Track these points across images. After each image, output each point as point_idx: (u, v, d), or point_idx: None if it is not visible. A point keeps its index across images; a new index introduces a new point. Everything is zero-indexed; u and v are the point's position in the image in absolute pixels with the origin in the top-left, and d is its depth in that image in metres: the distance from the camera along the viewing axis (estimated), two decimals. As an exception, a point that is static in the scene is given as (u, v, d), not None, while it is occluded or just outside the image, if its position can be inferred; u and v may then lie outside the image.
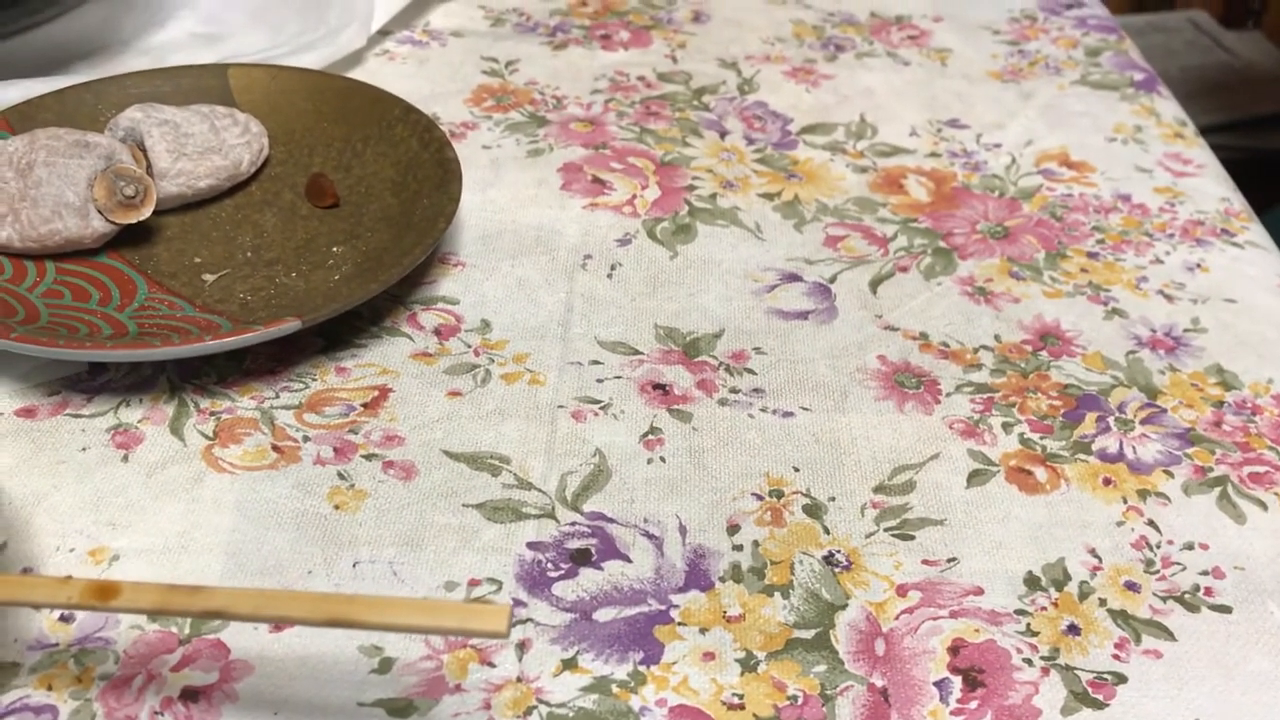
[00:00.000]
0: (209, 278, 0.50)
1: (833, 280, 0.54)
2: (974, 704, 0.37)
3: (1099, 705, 0.37)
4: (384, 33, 0.69)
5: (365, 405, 0.46)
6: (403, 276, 0.48)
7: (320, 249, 0.52)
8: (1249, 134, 1.45)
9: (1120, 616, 0.40)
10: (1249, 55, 1.57)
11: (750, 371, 0.49)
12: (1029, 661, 0.38)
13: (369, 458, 0.44)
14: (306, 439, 0.45)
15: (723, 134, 0.64)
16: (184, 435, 0.45)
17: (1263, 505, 0.44)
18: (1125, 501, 0.44)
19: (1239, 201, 0.62)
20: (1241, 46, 1.59)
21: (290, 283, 0.50)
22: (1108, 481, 0.45)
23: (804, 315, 0.52)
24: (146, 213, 0.50)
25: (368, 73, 0.66)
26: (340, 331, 0.49)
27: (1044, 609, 0.40)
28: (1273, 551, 0.43)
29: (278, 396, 0.46)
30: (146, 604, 0.31)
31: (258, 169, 0.56)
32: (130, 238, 0.52)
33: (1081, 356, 0.50)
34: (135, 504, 0.42)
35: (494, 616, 0.29)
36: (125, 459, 0.43)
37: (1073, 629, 0.40)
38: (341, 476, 0.43)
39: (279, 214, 0.54)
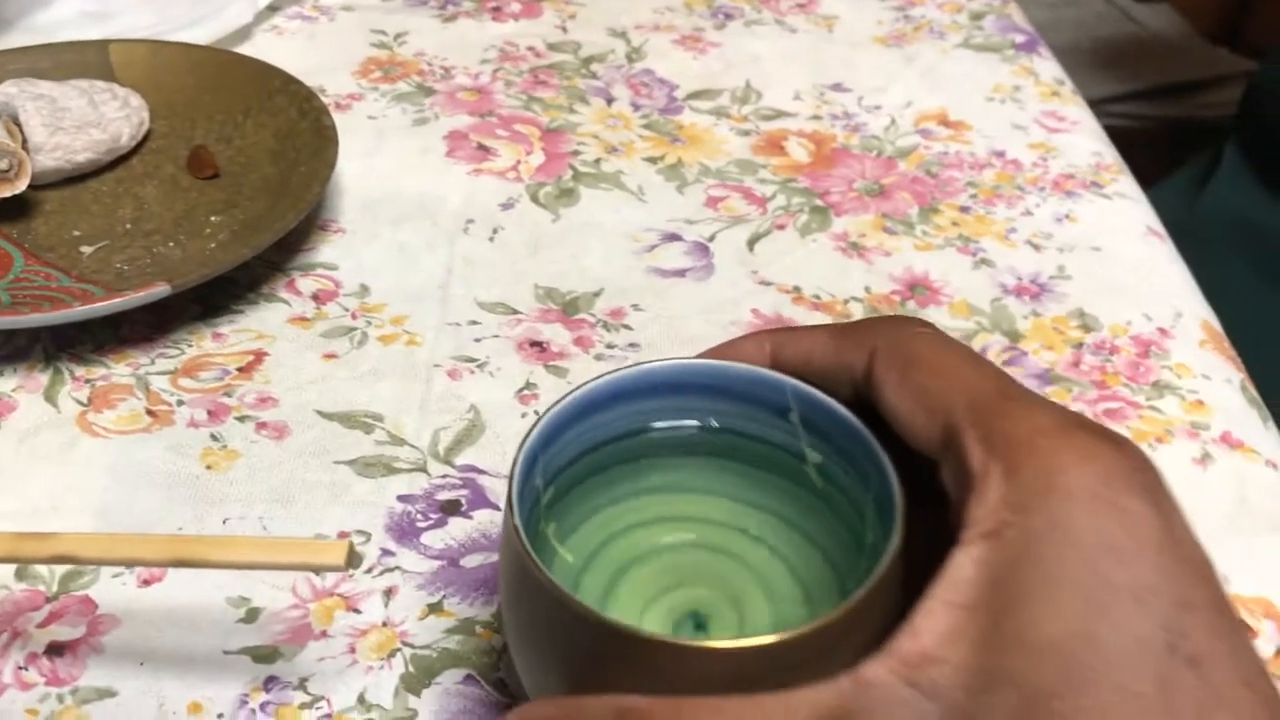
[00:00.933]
0: (87, 249, 0.51)
1: (711, 239, 0.55)
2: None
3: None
4: (273, 8, 0.69)
5: (240, 369, 0.47)
6: (279, 242, 0.49)
7: (199, 219, 0.52)
8: (1157, 103, 1.48)
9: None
10: (1157, 26, 1.61)
11: (627, 328, 0.50)
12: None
13: (242, 419, 0.44)
14: (181, 403, 0.45)
15: (609, 101, 0.65)
16: (58, 402, 0.45)
17: (1114, 439, 0.46)
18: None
19: (1111, 155, 0.63)
20: (1150, 18, 1.62)
21: (167, 252, 0.50)
22: (966, 420, 0.46)
23: (682, 273, 0.53)
24: (20, 186, 0.50)
25: (255, 48, 0.66)
26: (218, 299, 0.50)
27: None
28: (1121, 481, 0.44)
29: (153, 363, 0.47)
30: (-5, 553, 0.31)
31: (139, 143, 0.56)
32: (7, 212, 0.52)
33: (948, 305, 0.52)
34: (5, 469, 0.42)
35: (334, 550, 0.30)
36: (-3, 427, 0.44)
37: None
38: (214, 438, 0.44)
39: (160, 186, 0.54)
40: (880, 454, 0.30)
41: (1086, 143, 0.64)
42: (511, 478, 0.30)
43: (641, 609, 0.33)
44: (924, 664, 0.23)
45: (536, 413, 0.45)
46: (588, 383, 0.33)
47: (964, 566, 0.23)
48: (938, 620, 0.23)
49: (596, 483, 0.35)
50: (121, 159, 0.55)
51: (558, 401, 0.32)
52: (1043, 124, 0.65)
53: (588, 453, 0.34)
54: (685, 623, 0.33)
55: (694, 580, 0.34)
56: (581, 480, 0.34)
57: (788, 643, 0.26)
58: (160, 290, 0.45)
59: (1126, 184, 0.61)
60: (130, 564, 0.31)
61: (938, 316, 0.51)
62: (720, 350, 0.33)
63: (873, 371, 0.28)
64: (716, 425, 0.34)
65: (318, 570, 0.31)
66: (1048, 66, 0.71)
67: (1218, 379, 0.50)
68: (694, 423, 0.34)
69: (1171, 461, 0.45)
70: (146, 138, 0.56)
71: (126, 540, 0.31)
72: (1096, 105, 0.68)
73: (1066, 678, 0.21)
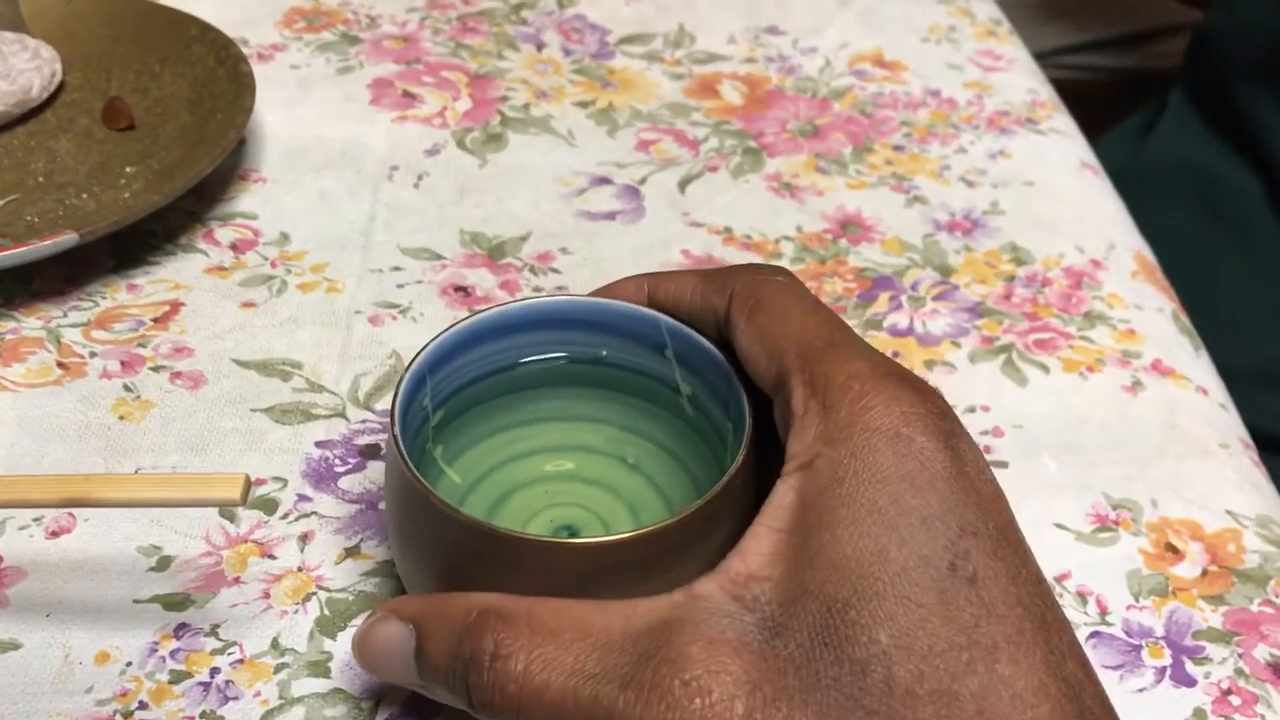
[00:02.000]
0: (-3, 203, 0.49)
1: (642, 182, 0.54)
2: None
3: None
4: (194, -40, 0.68)
5: (155, 320, 0.45)
6: (196, 191, 0.48)
7: (113, 170, 0.51)
8: (1107, 53, 1.48)
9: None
10: (1108, -23, 1.61)
11: (555, 271, 0.49)
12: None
13: (156, 369, 0.43)
14: (93, 354, 0.44)
15: (540, 47, 0.63)
16: (-35, 357, 0.44)
17: (1044, 369, 0.46)
18: (913, 372, 0.45)
19: (1046, 92, 0.63)
20: (1098, -31, 1.62)
21: (80, 204, 0.49)
22: (895, 354, 0.46)
23: (612, 216, 0.52)
24: (-74, 139, 0.49)
25: (179, 0, 0.65)
26: (134, 251, 0.48)
27: (825, 474, 0.41)
28: (1051, 409, 0.44)
29: (65, 315, 0.45)
30: (-121, 500, 0.30)
31: (51, 95, 0.54)
32: (-87, 167, 0.50)
33: (880, 242, 0.51)
34: (-92, 425, 0.41)
35: (229, 484, 0.29)
36: (-99, 382, 0.42)
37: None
38: (127, 389, 0.43)
39: (74, 139, 0.53)
40: (736, 384, 0.32)
41: (1022, 80, 0.63)
42: (396, 393, 0.31)
43: (521, 525, 0.35)
44: (749, 582, 0.26)
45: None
46: (479, 311, 0.35)
47: (784, 495, 0.26)
48: (762, 543, 0.26)
49: (486, 410, 0.36)
50: (34, 112, 0.54)
51: (449, 327, 0.34)
52: (978, 63, 0.65)
53: (477, 380, 0.36)
54: (559, 535, 0.35)
55: (571, 503, 0.36)
56: (471, 407, 0.36)
57: (623, 542, 0.28)
58: (68, 239, 0.43)
59: (1062, 120, 0.61)
60: (19, 505, 0.30)
61: (870, 254, 0.51)
62: (604, 290, 0.35)
63: (729, 314, 0.31)
64: (605, 355, 0.36)
65: (213, 505, 0.30)
66: (984, 7, 0.70)
67: (1150, 308, 0.49)
68: (580, 355, 0.36)
69: (1103, 389, 0.45)
70: (60, 90, 0.55)
71: (14, 482, 0.30)
72: (1047, 57, 0.68)
73: (859, 590, 0.24)
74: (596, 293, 0.35)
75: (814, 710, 0.23)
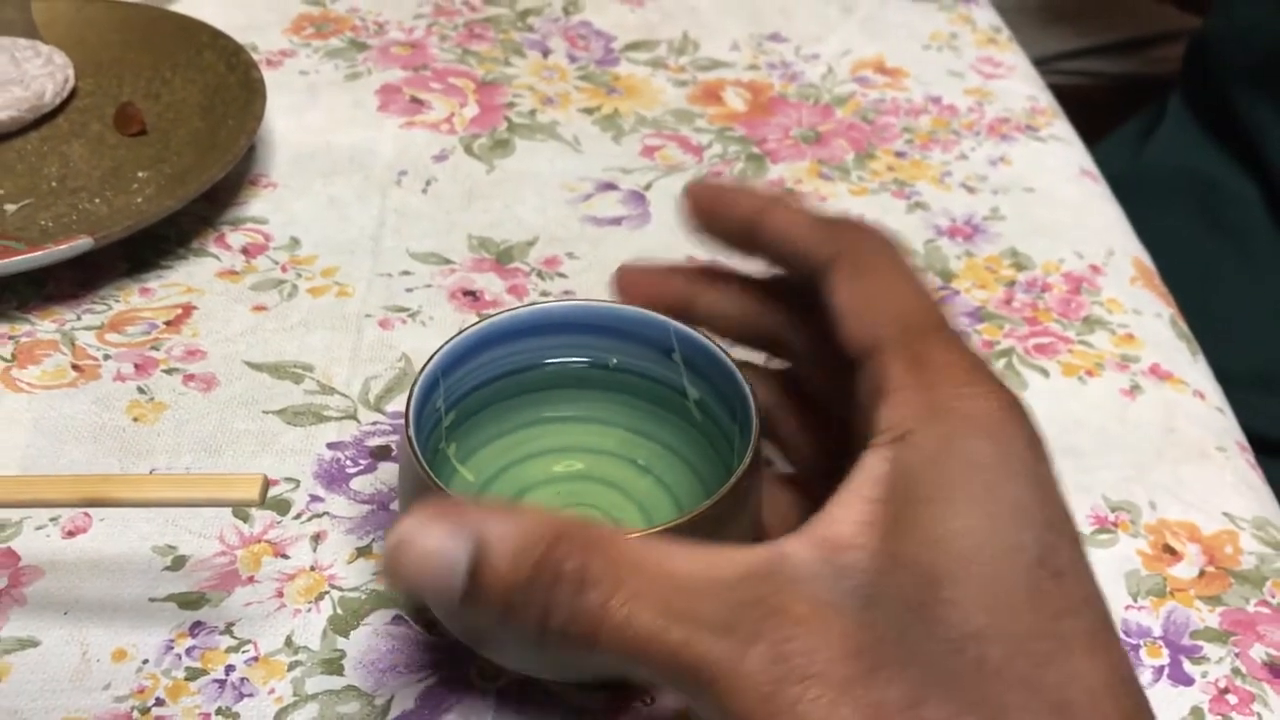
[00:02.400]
0: (11, 208, 0.50)
1: (648, 188, 0.55)
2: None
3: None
4: (203, -33, 0.68)
5: (168, 323, 0.46)
6: (208, 196, 0.49)
7: (126, 175, 0.51)
8: (1106, 59, 1.49)
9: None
10: (1107, -17, 1.61)
11: (562, 275, 0.50)
12: (811, 523, 0.40)
13: (170, 372, 0.44)
14: (107, 357, 0.44)
15: (545, 53, 0.64)
16: (-19, 360, 0.44)
17: (1044, 373, 0.46)
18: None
19: (1046, 99, 0.64)
20: (1099, -25, 1.63)
21: (93, 208, 0.49)
22: (898, 358, 0.46)
23: (618, 221, 0.53)
24: (-59, 144, 0.49)
25: (187, 7, 0.65)
26: (146, 254, 0.49)
27: (828, 476, 0.42)
28: (1051, 413, 0.45)
29: (79, 318, 0.46)
30: (-96, 500, 0.31)
31: (64, 100, 0.55)
32: (-72, 172, 0.51)
33: (882, 246, 0.52)
34: (-74, 426, 0.41)
35: (247, 485, 0.29)
36: (-82, 384, 0.43)
37: (855, 492, 0.41)
38: (141, 391, 0.43)
39: (86, 144, 0.54)
40: (743, 387, 0.33)
41: (1022, 87, 0.64)
42: (411, 394, 0.32)
43: None
44: (840, 548, 0.25)
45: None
46: (490, 315, 0.35)
47: (876, 465, 0.26)
48: (851, 511, 0.25)
49: (497, 411, 0.37)
50: (47, 117, 0.55)
51: (461, 331, 0.35)
52: (979, 70, 0.65)
53: (490, 382, 0.36)
54: None
55: (582, 503, 0.37)
56: (484, 407, 0.37)
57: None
58: (83, 243, 0.44)
59: (1061, 127, 0.62)
60: (39, 505, 0.30)
61: (871, 258, 0.51)
62: (712, 193, 0.33)
63: (832, 265, 0.30)
64: (616, 362, 0.37)
65: (232, 505, 0.31)
66: (985, 15, 0.71)
67: (1148, 314, 0.50)
68: (588, 359, 0.37)
69: (1102, 393, 0.46)
70: (72, 95, 0.56)
71: (35, 482, 0.30)
72: (1043, 63, 0.68)
73: (955, 569, 0.24)
74: (699, 190, 0.33)
75: (910, 682, 0.23)
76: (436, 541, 0.24)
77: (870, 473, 0.26)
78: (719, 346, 0.35)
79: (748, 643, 0.23)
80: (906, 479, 0.25)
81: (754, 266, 0.34)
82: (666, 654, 0.23)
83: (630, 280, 0.35)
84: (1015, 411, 0.26)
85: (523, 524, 0.24)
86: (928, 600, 0.24)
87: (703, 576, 0.24)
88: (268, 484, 0.30)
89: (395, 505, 0.40)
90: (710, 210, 0.33)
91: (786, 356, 0.35)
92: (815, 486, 0.33)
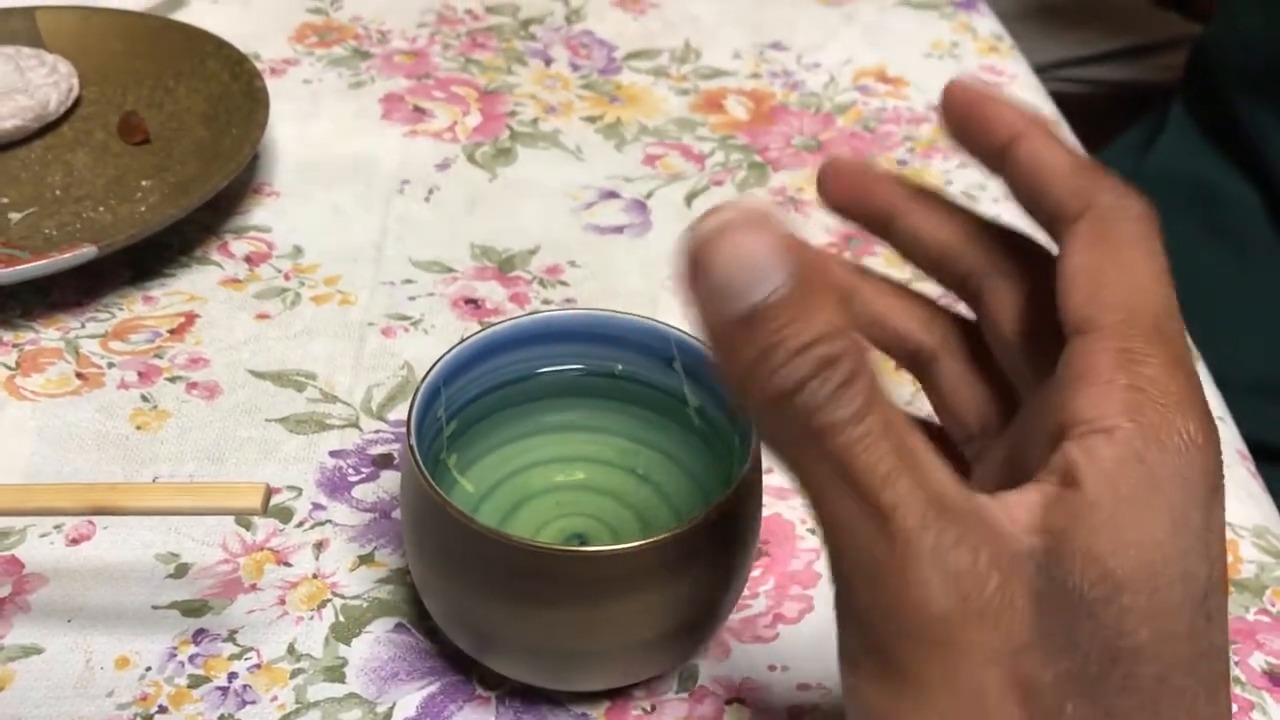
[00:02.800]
0: (15, 216, 0.50)
1: (649, 196, 0.55)
2: (758, 571, 0.39)
3: (877, 568, 0.39)
4: (207, -24, 0.69)
5: (171, 331, 0.46)
6: (211, 204, 0.49)
7: (130, 184, 0.51)
8: (1108, 67, 1.49)
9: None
10: (1108, -9, 1.62)
11: (564, 284, 0.50)
12: (812, 531, 0.40)
13: (173, 380, 0.44)
14: (111, 365, 0.45)
15: (548, 62, 0.64)
16: (-15, 368, 0.44)
17: (1045, 381, 0.47)
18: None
19: (1047, 108, 0.64)
20: (1101, -17, 1.63)
21: (97, 216, 0.50)
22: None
23: (620, 230, 0.53)
24: (-54, 153, 0.50)
25: (191, 16, 0.65)
26: (150, 263, 0.49)
27: (829, 484, 0.42)
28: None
29: (83, 326, 0.46)
30: (-91, 508, 0.31)
31: (68, 109, 0.55)
32: (-67, 181, 0.51)
33: (883, 254, 0.52)
34: (-69, 434, 0.42)
35: (250, 494, 0.30)
36: (-77, 392, 0.43)
37: (856, 500, 0.41)
38: (144, 399, 0.43)
39: (90, 153, 0.54)
40: None
41: (1024, 96, 0.64)
42: (412, 404, 0.32)
43: (533, 534, 0.36)
44: (1025, 531, 0.24)
45: (471, 368, 0.46)
46: (491, 325, 0.35)
47: (1072, 452, 0.25)
48: (1029, 495, 0.24)
49: (498, 420, 0.37)
50: (51, 126, 0.55)
51: (461, 341, 0.35)
52: (980, 78, 0.65)
53: (491, 391, 0.37)
54: (570, 543, 0.36)
55: (581, 513, 0.37)
56: (484, 417, 0.37)
57: (633, 550, 0.30)
58: (87, 252, 0.44)
59: (1063, 136, 0.62)
60: (45, 513, 0.31)
61: (873, 265, 0.51)
62: (975, 97, 0.29)
63: (1077, 221, 0.27)
64: (619, 370, 0.37)
65: (235, 514, 0.31)
66: (986, 23, 0.71)
67: (1149, 322, 0.50)
68: (588, 367, 0.37)
69: (1101, 402, 0.46)
70: (76, 104, 0.56)
71: (41, 490, 0.31)
72: (1045, 70, 0.69)
73: (1135, 577, 0.23)
74: (969, 93, 0.29)
75: (1060, 673, 0.23)
76: (763, 249, 0.22)
77: (1066, 458, 0.25)
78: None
79: (942, 536, 0.22)
80: (1103, 472, 0.24)
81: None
82: (869, 490, 0.22)
83: (838, 173, 0.32)
84: (1213, 445, 0.25)
85: (838, 307, 0.22)
86: (1101, 599, 0.23)
87: (933, 462, 0.23)
88: (270, 493, 0.30)
89: (396, 514, 0.40)
90: (966, 115, 0.29)
91: (973, 305, 0.31)
92: (963, 443, 0.31)
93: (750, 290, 0.21)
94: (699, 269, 0.22)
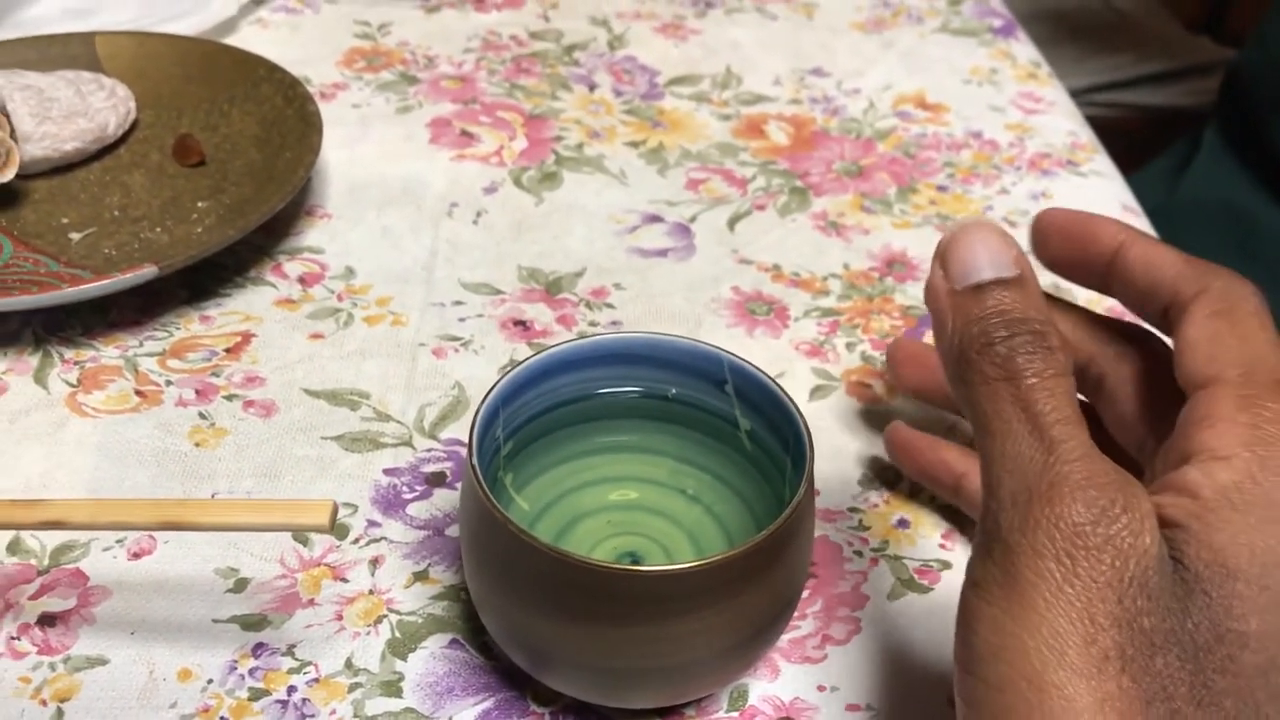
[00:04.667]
0: (75, 236, 0.51)
1: (693, 220, 0.56)
2: (805, 593, 0.39)
3: (924, 590, 0.40)
4: (257, 2, 0.70)
5: (228, 350, 0.47)
6: (264, 226, 0.50)
7: (185, 205, 0.53)
8: (1139, 92, 1.49)
9: (948, 510, 0.42)
10: (1138, 16, 1.62)
11: (609, 306, 0.51)
12: (859, 553, 0.41)
13: (230, 398, 0.45)
14: (169, 383, 0.46)
15: (591, 87, 0.65)
16: (48, 384, 0.45)
17: (1088, 407, 0.47)
18: (959, 408, 0.46)
19: (1086, 135, 0.64)
20: (1131, 8, 1.63)
21: (154, 237, 0.51)
22: (942, 390, 0.47)
23: (664, 253, 0.54)
24: (9, 175, 0.51)
25: (240, 40, 0.67)
26: (205, 283, 0.50)
27: (876, 506, 0.42)
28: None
29: (142, 345, 0.47)
30: (-13, 521, 0.32)
31: (125, 132, 0.57)
32: (-4, 201, 0.52)
33: (925, 280, 0.53)
34: (-3, 449, 0.43)
35: (318, 511, 0.30)
36: (-12, 408, 0.44)
37: (902, 523, 0.42)
38: (202, 416, 0.44)
39: (147, 174, 0.55)
40: (798, 421, 0.34)
41: (1062, 123, 0.65)
42: (473, 427, 0.33)
43: (587, 552, 0.37)
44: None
45: (520, 388, 0.46)
46: (547, 348, 0.36)
47: (1190, 474, 0.28)
48: (1164, 497, 0.27)
49: (553, 440, 0.38)
50: (109, 148, 0.56)
51: (519, 363, 0.36)
52: (1019, 105, 0.66)
53: (546, 412, 0.37)
54: (623, 561, 0.37)
55: (633, 532, 0.38)
56: (539, 437, 0.38)
57: (690, 571, 0.30)
58: (148, 272, 0.45)
59: (1102, 163, 0.62)
60: (118, 528, 0.31)
61: (916, 291, 0.52)
62: (1074, 218, 0.34)
63: (1195, 300, 0.31)
64: (673, 393, 0.38)
65: (303, 530, 0.32)
66: (1025, 50, 0.72)
67: (1190, 348, 0.50)
68: (641, 389, 0.38)
69: (1144, 428, 0.46)
70: (133, 127, 0.57)
71: (114, 505, 0.31)
72: (1078, 95, 0.69)
73: (1249, 571, 0.26)
74: (1062, 217, 0.34)
75: (1161, 626, 0.25)
76: (1001, 247, 0.29)
77: (1184, 479, 0.27)
78: (771, 379, 0.35)
79: (1093, 473, 0.26)
80: (1222, 489, 0.27)
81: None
82: (1045, 424, 0.27)
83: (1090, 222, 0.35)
84: None
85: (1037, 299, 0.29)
86: (1215, 580, 0.26)
87: (1085, 440, 0.27)
88: (337, 510, 0.31)
89: (450, 531, 0.41)
90: (1066, 235, 0.34)
91: (1094, 391, 0.35)
92: None
93: (986, 270, 0.29)
94: (950, 248, 0.30)
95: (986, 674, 0.26)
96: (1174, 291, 0.32)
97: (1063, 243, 0.34)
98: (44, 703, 0.35)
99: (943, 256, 0.30)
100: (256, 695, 0.35)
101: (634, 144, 0.61)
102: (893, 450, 0.42)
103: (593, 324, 0.50)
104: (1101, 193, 0.60)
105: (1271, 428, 0.28)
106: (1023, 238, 0.55)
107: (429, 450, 0.44)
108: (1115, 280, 0.33)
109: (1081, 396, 0.35)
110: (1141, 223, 0.58)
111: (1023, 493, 0.26)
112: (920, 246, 0.55)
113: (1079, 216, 0.34)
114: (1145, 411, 0.33)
